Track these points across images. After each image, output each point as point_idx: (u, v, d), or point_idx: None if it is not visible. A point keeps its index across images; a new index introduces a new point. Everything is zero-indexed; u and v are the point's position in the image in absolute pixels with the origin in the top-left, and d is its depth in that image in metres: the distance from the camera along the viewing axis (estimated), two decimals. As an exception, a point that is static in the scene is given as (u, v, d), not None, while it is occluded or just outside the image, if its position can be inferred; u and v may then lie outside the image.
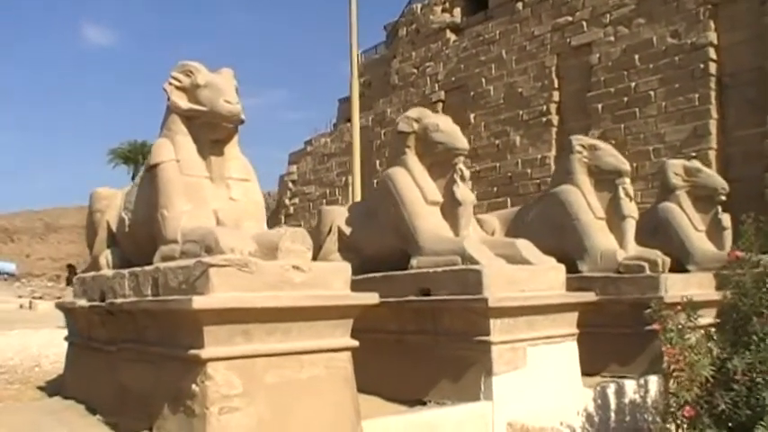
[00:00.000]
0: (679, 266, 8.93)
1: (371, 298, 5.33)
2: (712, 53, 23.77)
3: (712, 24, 23.94)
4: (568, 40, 28.21)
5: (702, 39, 23.89)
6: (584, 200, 8.24)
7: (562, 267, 6.55)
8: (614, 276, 7.77)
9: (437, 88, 33.75)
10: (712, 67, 23.73)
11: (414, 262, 6.64)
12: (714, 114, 23.51)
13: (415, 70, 35.28)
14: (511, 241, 6.80)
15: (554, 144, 27.78)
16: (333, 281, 5.18)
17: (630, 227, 8.23)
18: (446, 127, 6.92)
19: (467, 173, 6.87)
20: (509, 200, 27.33)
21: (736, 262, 6.04)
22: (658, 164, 24.43)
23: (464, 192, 6.81)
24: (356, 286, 7.27)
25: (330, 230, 7.93)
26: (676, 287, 7.47)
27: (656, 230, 9.54)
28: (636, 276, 7.62)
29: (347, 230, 7.76)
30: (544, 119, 28.26)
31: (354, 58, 12.49)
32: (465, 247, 6.18)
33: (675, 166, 9.90)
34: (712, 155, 23.29)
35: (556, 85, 28.49)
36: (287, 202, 41.41)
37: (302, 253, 5.27)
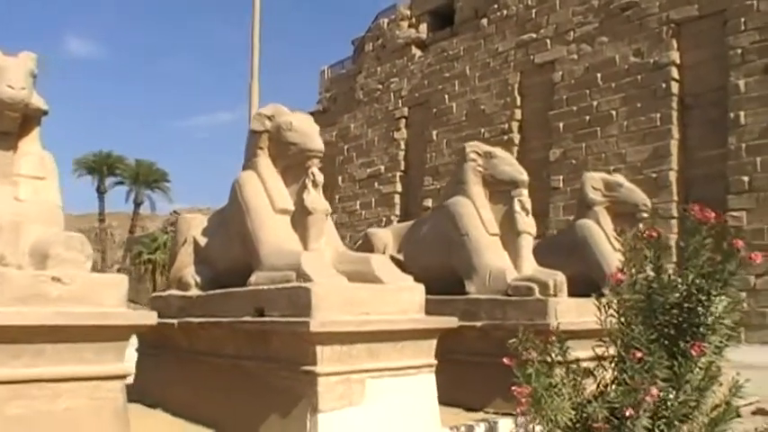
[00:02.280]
0: (597, 289, 8.07)
1: (148, 318, 4.45)
2: (675, 73, 23.19)
3: (675, 43, 23.38)
4: (532, 57, 27.60)
5: (665, 58, 23.30)
6: (477, 213, 7.37)
7: (419, 287, 5.66)
8: (502, 299, 6.87)
9: (401, 104, 33.07)
10: (674, 87, 23.13)
11: (252, 278, 5.76)
12: (675, 135, 22.89)
13: (380, 86, 34.58)
14: (365, 257, 5.93)
15: (515, 163, 26.98)
16: (104, 296, 4.32)
17: (527, 243, 7.35)
18: (301, 126, 6.05)
19: (320, 177, 6.00)
20: (467, 219, 26.56)
21: (619, 285, 5.12)
22: (619, 185, 24.04)
23: (315, 199, 5.95)
24: (198, 304, 6.45)
25: (185, 241, 7.04)
26: (570, 313, 6.59)
27: (572, 249, 8.70)
28: (524, 300, 6.72)
29: (202, 241, 6.88)
30: (506, 137, 27.52)
31: (255, 82, 11.65)
32: (300, 262, 5.29)
33: (594, 179, 9.03)
34: (673, 176, 22.66)
35: (518, 103, 27.88)
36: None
37: (78, 262, 4.42)
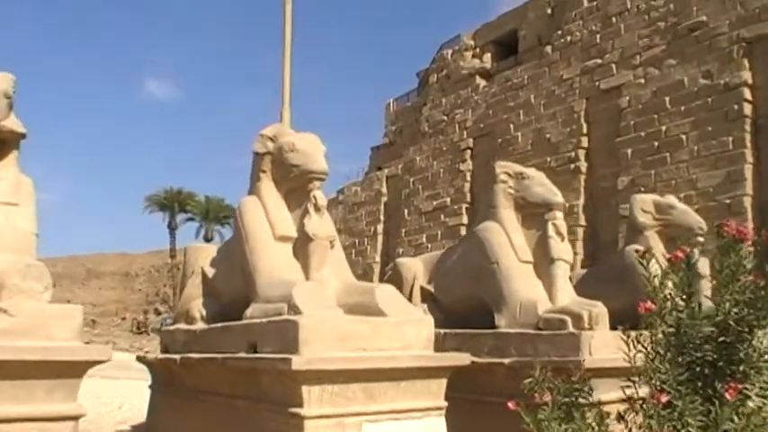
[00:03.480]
0: (649, 322, 7.34)
1: (101, 353, 4.00)
2: (747, 93, 22.06)
3: (746, 63, 22.27)
4: (597, 83, 26.74)
5: (736, 78, 22.20)
6: (507, 239, 6.78)
7: (427, 321, 5.10)
8: (532, 333, 6.24)
9: (465, 135, 32.48)
10: (747, 109, 21.99)
11: (248, 311, 5.31)
12: (749, 158, 21.70)
13: (445, 117, 34.11)
14: (370, 287, 5.40)
15: (582, 192, 26.21)
16: (54, 328, 3.93)
17: (562, 272, 6.71)
18: (303, 146, 5.60)
19: (322, 201, 5.51)
20: (533, 251, 25.73)
21: (649, 316, 4.43)
22: (691, 213, 22.93)
23: (317, 225, 5.47)
24: (200, 339, 6.01)
25: (193, 272, 6.64)
26: (606, 349, 5.89)
27: (621, 279, 7.99)
28: (556, 334, 6.06)
29: (210, 273, 6.46)
30: (572, 165, 26.68)
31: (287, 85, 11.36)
32: (292, 293, 4.80)
33: (644, 201, 8.33)
34: (748, 201, 21.45)
35: (584, 131, 26.98)
36: (317, 252, 40.25)
37: (34, 292, 4.03)
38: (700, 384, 4.03)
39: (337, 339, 4.58)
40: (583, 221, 26.06)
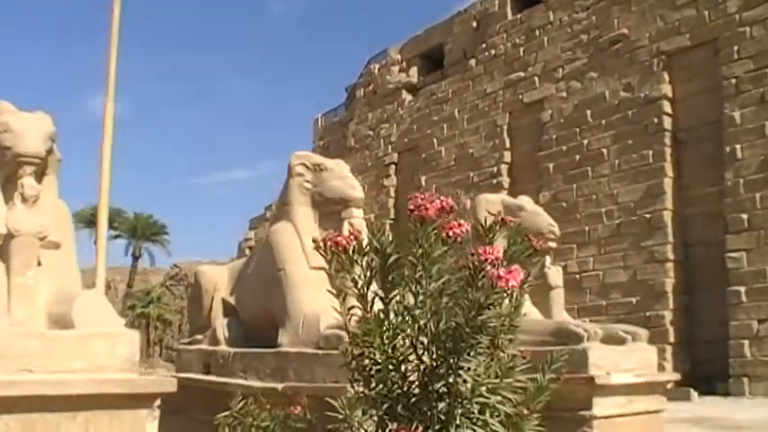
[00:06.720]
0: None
1: None
2: (667, 107, 21.70)
3: (666, 76, 21.91)
4: (520, 96, 26.23)
5: (656, 92, 21.82)
6: (299, 242, 5.84)
7: (126, 336, 4.12)
8: (309, 353, 5.27)
9: (390, 150, 31.76)
10: (667, 122, 21.62)
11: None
12: (669, 172, 21.29)
13: (371, 132, 33.35)
14: (74, 294, 4.42)
15: (504, 208, 25.51)
16: None
17: (360, 280, 5.76)
18: (18, 126, 4.61)
19: (31, 191, 4.53)
20: (455, 268, 24.99)
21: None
22: (611, 227, 22.29)
23: (21, 218, 4.48)
24: None
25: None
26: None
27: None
28: (331, 354, 5.10)
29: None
30: (494, 180, 26.08)
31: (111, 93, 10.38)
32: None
33: (491, 202, 7.49)
34: (668, 216, 21.03)
35: (507, 145, 26.45)
36: (244, 270, 39.22)
37: None
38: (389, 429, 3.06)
39: (-8, 358, 3.61)
40: (504, 237, 25.42)
